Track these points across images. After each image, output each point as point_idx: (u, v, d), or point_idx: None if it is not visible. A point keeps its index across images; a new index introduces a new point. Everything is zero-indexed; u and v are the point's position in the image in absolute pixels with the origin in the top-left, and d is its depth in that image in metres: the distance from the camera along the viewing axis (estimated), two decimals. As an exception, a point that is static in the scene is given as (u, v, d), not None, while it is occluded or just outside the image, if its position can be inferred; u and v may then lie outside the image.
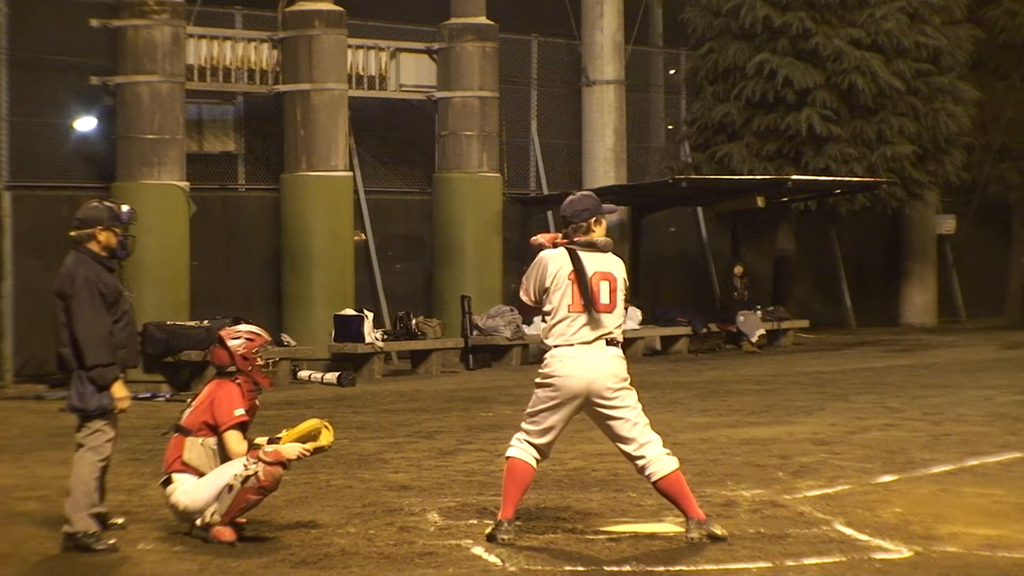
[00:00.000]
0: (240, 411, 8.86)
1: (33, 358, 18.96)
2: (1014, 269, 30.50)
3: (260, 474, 8.64)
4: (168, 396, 17.74)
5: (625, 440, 8.62)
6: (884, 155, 25.45)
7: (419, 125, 23.12)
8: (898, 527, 9.07)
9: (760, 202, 23.57)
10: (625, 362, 8.66)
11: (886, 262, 29.93)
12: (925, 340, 26.10)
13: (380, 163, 23.19)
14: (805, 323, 26.42)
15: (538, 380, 8.68)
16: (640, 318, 23.39)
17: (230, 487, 8.65)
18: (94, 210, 8.95)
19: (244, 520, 8.96)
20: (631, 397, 8.63)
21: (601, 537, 8.87)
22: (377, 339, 20.15)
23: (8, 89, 19.37)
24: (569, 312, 8.56)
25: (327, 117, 20.89)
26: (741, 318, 24.43)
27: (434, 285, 22.82)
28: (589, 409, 8.62)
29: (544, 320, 8.72)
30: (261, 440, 8.97)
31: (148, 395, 17.53)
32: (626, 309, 8.90)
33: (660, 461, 8.59)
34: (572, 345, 8.55)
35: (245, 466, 8.67)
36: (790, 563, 8.18)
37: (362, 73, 21.93)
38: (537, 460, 8.72)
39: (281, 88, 20.98)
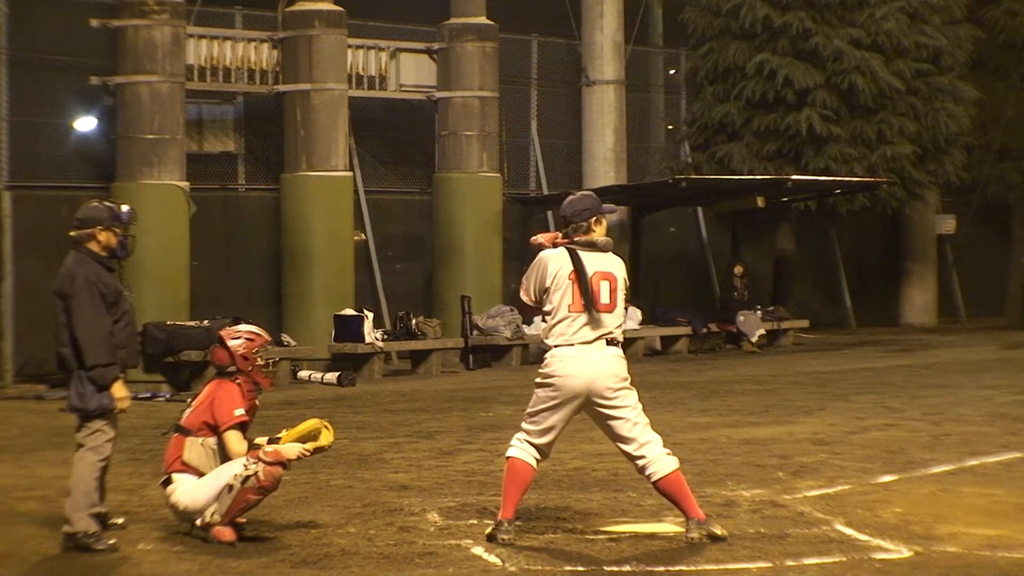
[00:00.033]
0: (240, 411, 8.86)
1: (33, 358, 18.96)
2: (1014, 269, 30.50)
3: (260, 474, 8.64)
4: (168, 396, 17.74)
5: (625, 440, 8.62)
6: (884, 155, 25.46)
7: (419, 125, 23.13)
8: (898, 527, 9.07)
9: (760, 202, 23.57)
10: (625, 362, 8.66)
11: (886, 262, 29.93)
12: (925, 340, 26.10)
13: (380, 163, 23.19)
14: (805, 323, 26.43)
15: (538, 380, 8.68)
16: (640, 318, 23.39)
17: (230, 487, 8.65)
18: (94, 210, 8.95)
19: (244, 520, 8.96)
20: (631, 397, 8.63)
21: (601, 537, 8.87)
22: (377, 339, 20.15)
23: (8, 89, 19.38)
24: (569, 312, 8.56)
25: (327, 117, 20.89)
26: (741, 318, 24.44)
27: (434, 285, 22.82)
28: (589, 409, 8.62)
29: (544, 320, 8.71)
30: (261, 440, 8.97)
31: (148, 395, 17.53)
32: (626, 309, 8.90)
33: (660, 461, 8.59)
34: (572, 345, 8.54)
35: (245, 466, 8.67)
36: (790, 563, 8.18)
37: (362, 73, 21.93)
38: (537, 460, 8.72)
39: (281, 88, 20.99)
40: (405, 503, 10.02)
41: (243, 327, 9.32)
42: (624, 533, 8.97)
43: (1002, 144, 28.99)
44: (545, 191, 24.92)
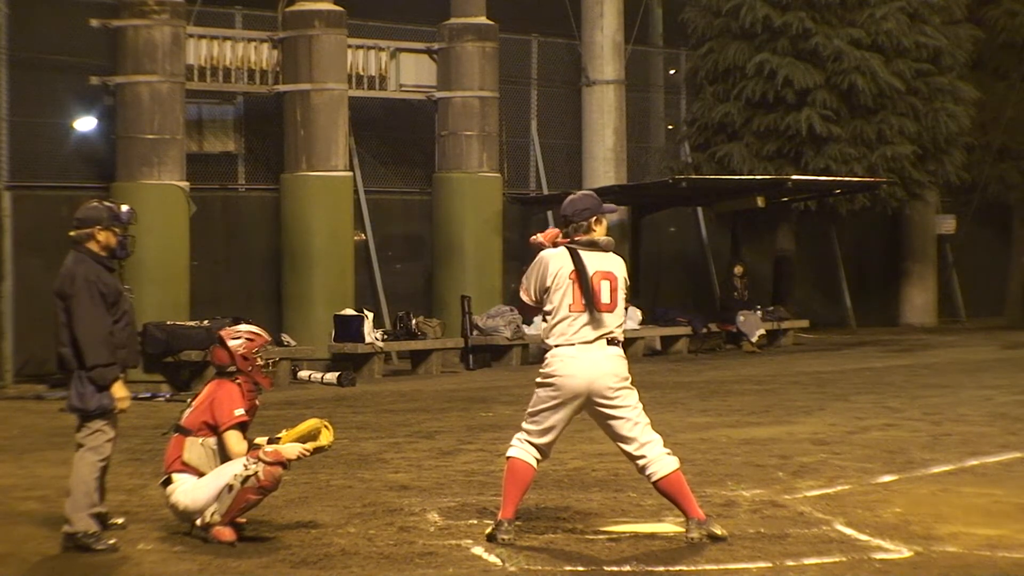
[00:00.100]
0: (240, 411, 8.86)
1: (33, 358, 18.96)
2: (1014, 269, 30.50)
3: (260, 474, 8.64)
4: (168, 396, 17.74)
5: (626, 440, 8.62)
6: (884, 155, 25.46)
7: (419, 125, 23.12)
8: (898, 527, 9.07)
9: (760, 202, 23.56)
10: (626, 362, 8.66)
11: (886, 262, 29.93)
12: (925, 340, 26.10)
13: (380, 163, 23.19)
14: (805, 323, 26.43)
15: (539, 380, 8.68)
16: (640, 318, 23.39)
17: (230, 487, 8.65)
18: (93, 210, 8.95)
19: (244, 520, 8.96)
20: (632, 397, 8.63)
21: (601, 537, 8.87)
22: (377, 339, 20.15)
23: (8, 89, 19.37)
24: (570, 312, 8.56)
25: (327, 117, 20.89)
26: (741, 318, 24.44)
27: (434, 285, 22.82)
28: (590, 409, 8.62)
29: (545, 320, 8.71)
30: (261, 440, 8.97)
31: (148, 395, 17.53)
32: (626, 309, 8.89)
33: (661, 461, 8.59)
34: (573, 345, 8.54)
35: (245, 466, 8.67)
36: (790, 563, 8.18)
37: (362, 73, 21.93)
38: (538, 460, 8.72)
39: (281, 88, 20.98)
40: (405, 503, 10.01)
41: (243, 327, 9.32)
42: (624, 533, 8.97)
43: (1002, 144, 28.99)
44: (545, 191, 24.92)
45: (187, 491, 8.79)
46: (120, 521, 9.19)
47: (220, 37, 20.75)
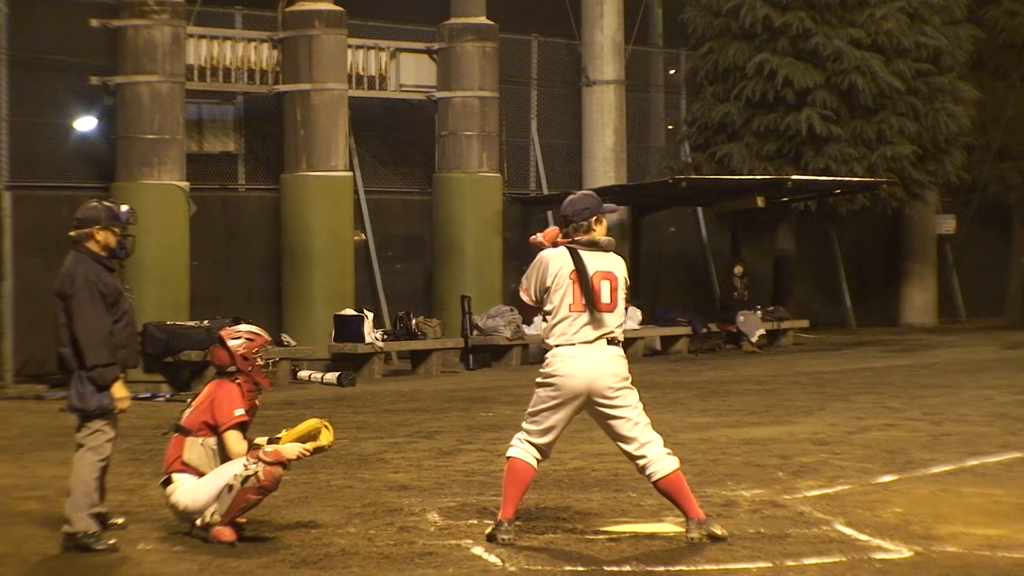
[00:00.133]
0: (240, 411, 8.86)
1: (33, 358, 18.96)
2: (1014, 269, 30.50)
3: (260, 474, 8.64)
4: (168, 396, 17.74)
5: (626, 439, 8.62)
6: (884, 155, 25.46)
7: (419, 125, 23.13)
8: (898, 527, 9.07)
9: (760, 202, 23.56)
10: (626, 361, 8.66)
11: (886, 262, 29.92)
12: (925, 340, 26.10)
13: (380, 163, 23.19)
14: (805, 323, 26.43)
15: (539, 380, 8.68)
16: (640, 318, 23.39)
17: (230, 487, 8.65)
18: (92, 210, 8.95)
19: (244, 520, 8.96)
20: (632, 396, 8.63)
21: (601, 537, 8.87)
22: (377, 339, 20.15)
23: (8, 89, 19.37)
24: (570, 311, 8.55)
25: (327, 117, 20.89)
26: (741, 318, 24.43)
27: (434, 285, 22.82)
28: (590, 408, 8.62)
29: (545, 320, 8.71)
30: (261, 440, 8.97)
31: (148, 395, 17.53)
32: (626, 309, 8.89)
33: (661, 461, 8.59)
34: (573, 344, 8.54)
35: (245, 466, 8.67)
36: (790, 563, 8.17)
37: (362, 73, 21.93)
38: (538, 460, 8.71)
39: (281, 88, 20.98)
40: (405, 503, 10.01)
41: (243, 327, 9.32)
42: (624, 533, 8.97)
43: (1002, 144, 28.99)
44: (545, 191, 24.92)
45: (187, 491, 8.79)
46: (120, 521, 9.19)
47: (220, 37, 20.75)
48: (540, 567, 8.15)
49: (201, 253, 20.43)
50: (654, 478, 8.61)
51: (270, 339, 9.46)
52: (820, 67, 24.99)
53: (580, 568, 8.15)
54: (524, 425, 8.73)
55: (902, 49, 25.54)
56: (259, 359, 9.06)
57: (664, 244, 27.23)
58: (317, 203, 20.89)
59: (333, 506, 9.92)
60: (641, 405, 8.67)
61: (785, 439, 13.19)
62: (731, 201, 24.75)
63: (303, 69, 20.80)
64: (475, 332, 21.41)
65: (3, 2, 19.30)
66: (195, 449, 8.87)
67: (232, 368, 9.01)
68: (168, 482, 8.89)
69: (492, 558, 8.32)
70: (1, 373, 19.13)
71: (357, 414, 15.77)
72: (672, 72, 27.52)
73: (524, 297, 8.78)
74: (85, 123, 20.61)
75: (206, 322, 18.78)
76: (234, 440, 8.81)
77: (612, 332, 8.59)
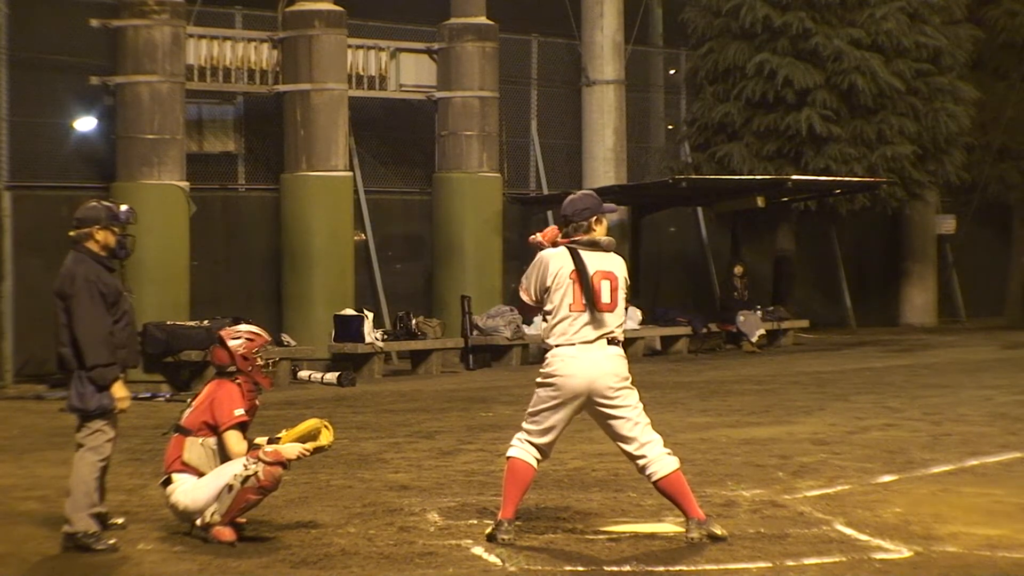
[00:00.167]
0: (240, 411, 8.86)
1: (33, 358, 18.96)
2: (1014, 269, 30.49)
3: (260, 474, 8.64)
4: (168, 396, 17.74)
5: (626, 439, 8.62)
6: (884, 155, 25.46)
7: (419, 125, 23.13)
8: (898, 527, 9.07)
9: (760, 202, 23.56)
10: (626, 361, 8.66)
11: (886, 262, 29.93)
12: (925, 340, 26.10)
13: (380, 163, 23.19)
14: (805, 323, 26.43)
15: (539, 380, 8.67)
16: (640, 318, 23.39)
17: (230, 487, 8.65)
18: (92, 210, 8.96)
19: (244, 520, 8.96)
20: (632, 396, 8.62)
21: (601, 537, 8.87)
22: (377, 339, 20.15)
23: (8, 89, 19.37)
24: (570, 311, 8.55)
25: (327, 117, 20.89)
26: (741, 318, 24.43)
27: (434, 285, 22.82)
28: (590, 408, 8.62)
29: (545, 320, 8.71)
30: (261, 440, 8.97)
31: (148, 395, 17.53)
32: (626, 309, 8.89)
33: (661, 461, 8.59)
34: (573, 344, 8.54)
35: (245, 466, 8.67)
36: (790, 563, 8.17)
37: (362, 73, 21.93)
38: (538, 460, 8.71)
39: (281, 88, 20.99)
40: (405, 503, 10.01)
41: (243, 327, 9.32)
42: (624, 533, 8.97)
43: (1002, 144, 28.99)
44: (545, 191, 24.92)
45: (187, 491, 8.79)
46: (120, 521, 9.19)
47: (220, 37, 20.75)
48: (540, 567, 8.15)
49: (201, 253, 20.43)
50: (654, 478, 8.61)
51: (270, 339, 9.46)
52: (820, 67, 24.99)
53: (580, 568, 8.15)
54: (524, 425, 8.73)
55: (902, 49, 25.54)
56: (259, 359, 9.06)
57: (664, 244, 27.23)
58: (317, 203, 20.90)
59: (333, 506, 9.92)
60: (641, 405, 8.67)
61: (785, 439, 13.19)
62: (731, 201, 24.75)
63: (303, 69, 20.80)
64: (475, 332, 21.41)
65: (3, 2, 19.30)
66: (195, 449, 8.87)
67: (232, 368, 9.01)
68: (168, 482, 8.89)
69: (492, 558, 8.32)
70: (1, 373, 19.13)
71: (357, 414, 15.77)
72: (672, 72, 27.52)
73: (524, 297, 8.78)
74: (85, 123, 20.62)
75: (206, 322, 18.78)
76: (234, 440, 8.81)
77: (612, 332, 8.59)
